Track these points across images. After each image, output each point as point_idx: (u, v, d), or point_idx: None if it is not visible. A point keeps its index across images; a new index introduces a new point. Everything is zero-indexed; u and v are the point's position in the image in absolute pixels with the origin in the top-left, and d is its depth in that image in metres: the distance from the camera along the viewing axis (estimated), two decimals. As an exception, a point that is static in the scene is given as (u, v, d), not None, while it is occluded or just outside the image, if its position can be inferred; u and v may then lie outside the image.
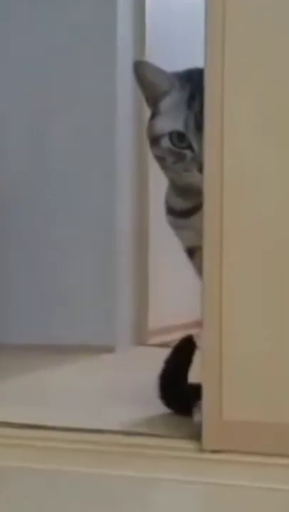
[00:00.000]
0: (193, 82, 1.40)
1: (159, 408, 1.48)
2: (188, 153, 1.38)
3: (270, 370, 1.23)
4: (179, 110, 1.40)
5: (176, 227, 1.48)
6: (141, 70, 1.43)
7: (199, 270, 1.34)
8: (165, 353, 1.52)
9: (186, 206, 1.44)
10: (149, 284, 2.80)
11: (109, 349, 2.60)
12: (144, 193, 2.79)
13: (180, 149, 1.39)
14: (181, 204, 1.45)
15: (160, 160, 1.43)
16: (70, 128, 2.74)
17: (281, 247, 1.23)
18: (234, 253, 1.25)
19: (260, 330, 1.24)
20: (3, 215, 2.79)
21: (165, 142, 1.40)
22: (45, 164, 2.76)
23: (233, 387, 1.24)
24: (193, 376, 1.45)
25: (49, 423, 1.42)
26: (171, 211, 1.49)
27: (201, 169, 1.34)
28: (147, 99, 1.45)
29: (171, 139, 1.40)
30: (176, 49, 2.76)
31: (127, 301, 2.77)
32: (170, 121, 1.40)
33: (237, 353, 1.24)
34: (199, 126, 1.35)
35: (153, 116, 1.44)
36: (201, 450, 1.25)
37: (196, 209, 1.39)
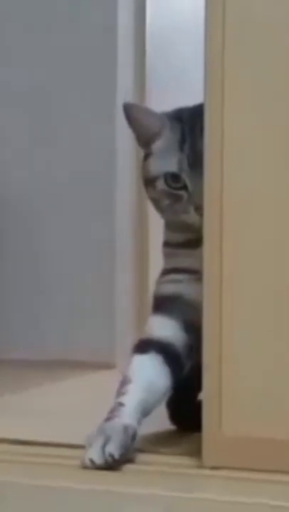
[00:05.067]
0: (183, 122, 1.41)
1: (158, 425, 1.46)
2: (183, 193, 1.38)
3: (272, 385, 1.21)
4: (172, 152, 1.40)
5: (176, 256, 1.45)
6: (130, 112, 1.43)
7: None
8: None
9: (188, 237, 1.42)
10: (149, 299, 2.78)
11: (110, 365, 2.58)
12: (144, 205, 2.77)
13: (175, 190, 1.39)
14: (179, 237, 1.44)
15: (155, 202, 1.43)
16: (69, 135, 2.74)
17: (284, 260, 1.21)
18: (235, 264, 1.23)
19: (261, 343, 1.22)
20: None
21: (160, 184, 1.41)
22: (44, 172, 2.76)
23: (233, 402, 1.22)
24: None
25: (44, 439, 1.39)
26: (167, 244, 1.47)
27: (197, 209, 1.35)
28: (138, 140, 1.45)
29: (166, 181, 1.40)
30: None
31: (127, 317, 2.76)
32: (164, 164, 1.40)
33: (237, 367, 1.22)
34: (192, 167, 1.36)
35: (146, 157, 1.44)
36: (201, 467, 1.23)
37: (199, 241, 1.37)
